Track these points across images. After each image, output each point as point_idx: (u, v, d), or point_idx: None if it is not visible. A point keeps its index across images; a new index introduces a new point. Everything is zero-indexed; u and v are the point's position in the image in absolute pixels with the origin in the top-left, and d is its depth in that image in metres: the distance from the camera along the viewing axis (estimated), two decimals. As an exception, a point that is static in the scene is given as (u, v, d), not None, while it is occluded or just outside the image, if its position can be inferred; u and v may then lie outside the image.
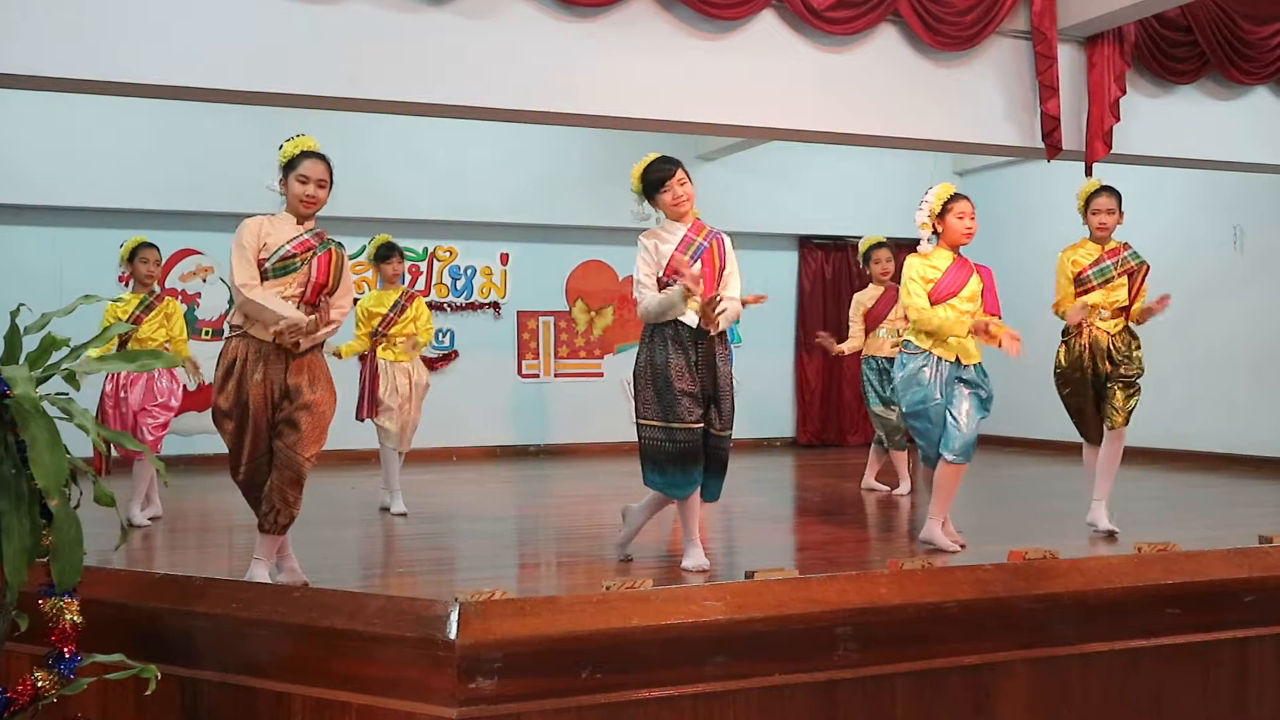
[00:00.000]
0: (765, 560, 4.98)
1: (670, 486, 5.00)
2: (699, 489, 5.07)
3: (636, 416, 5.05)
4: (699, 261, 5.00)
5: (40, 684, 3.09)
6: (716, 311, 4.85)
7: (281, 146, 4.71)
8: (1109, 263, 5.99)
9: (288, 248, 4.60)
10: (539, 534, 6.84)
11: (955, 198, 5.54)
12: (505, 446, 10.92)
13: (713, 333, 4.99)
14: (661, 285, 5.01)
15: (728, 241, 5.16)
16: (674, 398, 4.90)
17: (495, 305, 10.94)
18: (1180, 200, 9.76)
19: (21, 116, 8.93)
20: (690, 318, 4.97)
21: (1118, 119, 7.43)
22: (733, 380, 5.12)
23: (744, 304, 5.32)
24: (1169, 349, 9.10)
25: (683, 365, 4.93)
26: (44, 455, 2.93)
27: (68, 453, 3.04)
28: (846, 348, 7.88)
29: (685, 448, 4.92)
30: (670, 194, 5.02)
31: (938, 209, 5.55)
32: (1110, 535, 5.85)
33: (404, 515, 6.88)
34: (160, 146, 9.31)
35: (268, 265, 4.58)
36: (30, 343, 3.23)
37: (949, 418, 5.44)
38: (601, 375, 11.22)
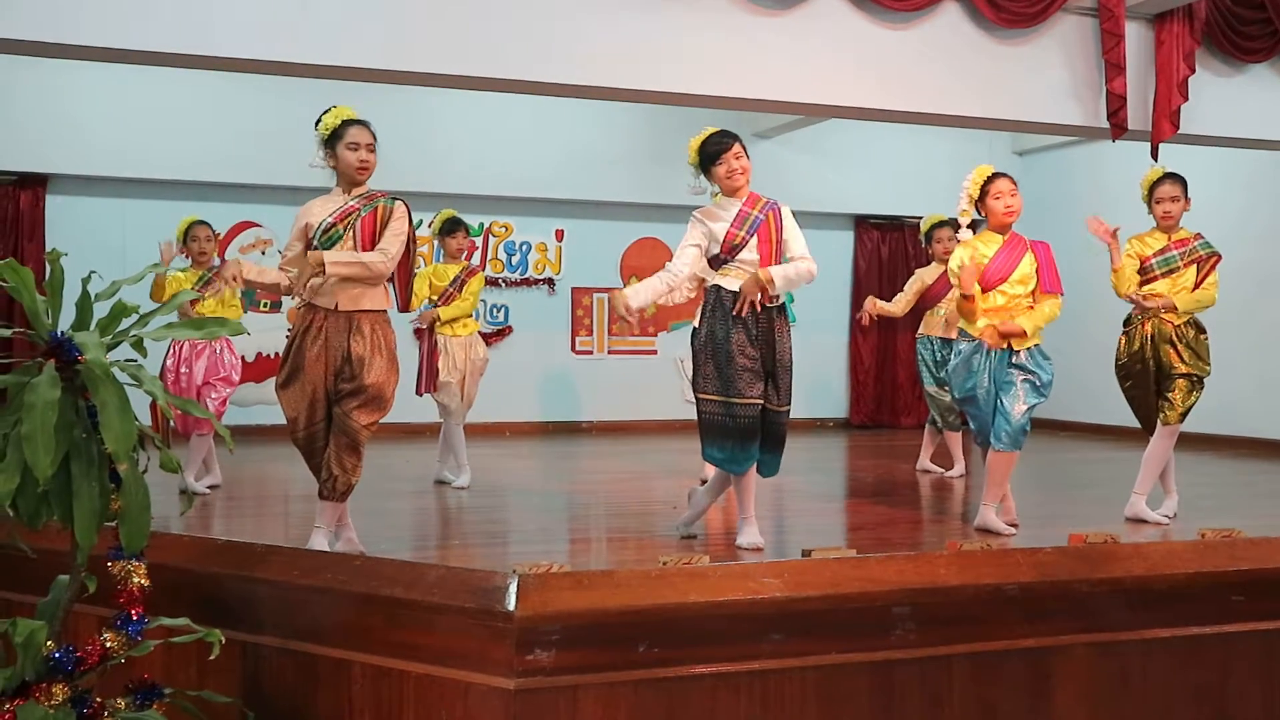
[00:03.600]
0: (818, 540, 4.95)
1: (729, 462, 5.00)
2: (756, 465, 5.06)
3: (695, 391, 5.04)
4: (755, 236, 4.98)
5: (109, 644, 3.15)
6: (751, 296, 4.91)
7: (320, 120, 4.72)
8: (1175, 252, 5.83)
9: (329, 220, 4.66)
10: (590, 509, 6.85)
11: (993, 178, 5.44)
12: (558, 422, 10.95)
13: (770, 298, 4.96)
14: (720, 262, 5.01)
15: (786, 210, 5.11)
16: (735, 372, 4.88)
17: (550, 281, 10.95)
18: (1250, 183, 9.55)
19: (91, 89, 9.06)
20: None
21: (1186, 98, 7.29)
22: (792, 356, 5.09)
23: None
24: (1234, 334, 8.93)
25: (744, 339, 4.90)
26: (114, 420, 2.97)
27: (136, 419, 3.09)
28: (885, 305, 7.77)
29: (745, 423, 4.91)
30: (725, 167, 5.00)
31: (976, 192, 5.46)
32: (1163, 522, 5.75)
33: (465, 489, 6.93)
34: (223, 119, 9.40)
35: (315, 242, 4.66)
36: (100, 310, 3.27)
37: (999, 406, 5.36)
38: (655, 353, 11.21)
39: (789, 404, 5.08)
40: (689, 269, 5.04)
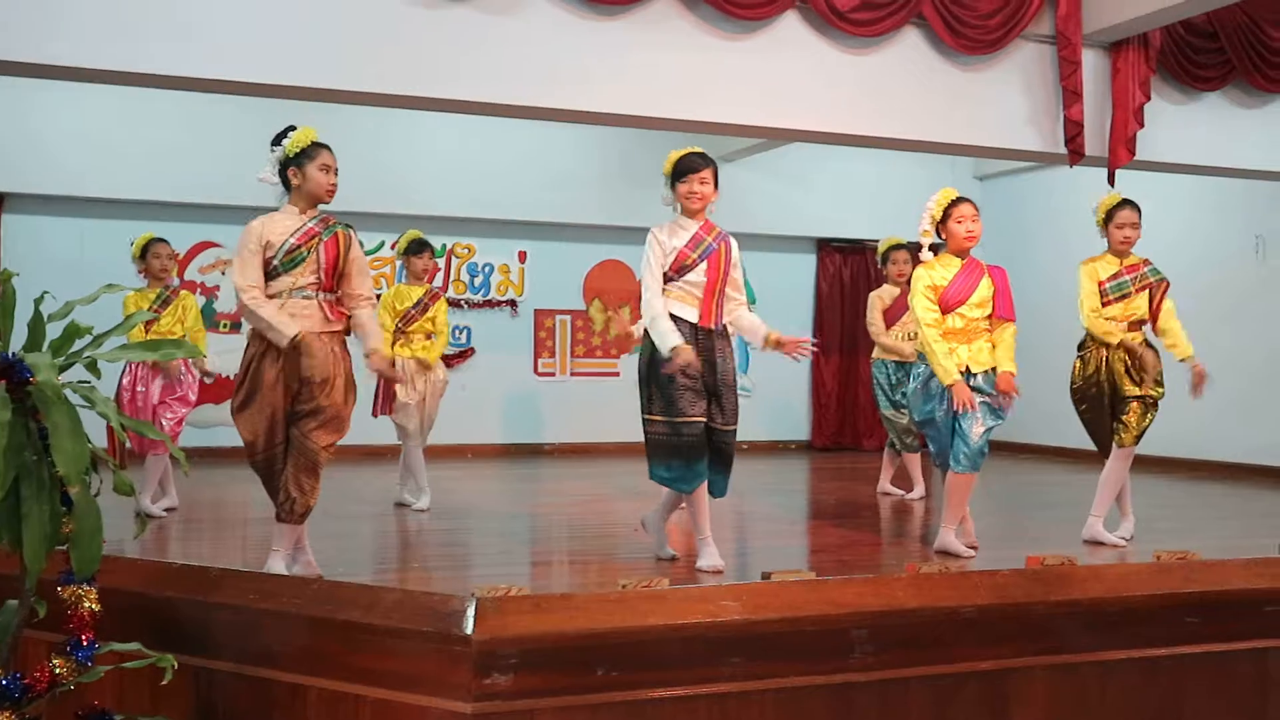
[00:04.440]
0: (779, 562, 4.95)
1: (678, 480, 5.06)
2: (706, 484, 5.09)
3: (642, 412, 5.09)
4: (706, 261, 5.03)
5: (58, 671, 3.10)
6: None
7: (287, 136, 4.68)
8: (1127, 278, 5.90)
9: (292, 240, 4.61)
10: (552, 532, 6.83)
11: (956, 202, 5.49)
12: (520, 444, 10.92)
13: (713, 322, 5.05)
14: (666, 281, 5.06)
15: (735, 244, 5.20)
16: (676, 392, 4.95)
17: (512, 303, 10.94)
18: (1202, 209, 9.71)
19: (49, 108, 8.98)
20: (691, 314, 5.04)
21: (1141, 125, 7.40)
22: (735, 376, 5.16)
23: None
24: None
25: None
26: (66, 443, 2.94)
27: (89, 441, 3.05)
28: (899, 345, 7.70)
29: (690, 441, 4.97)
30: (688, 187, 5.07)
31: (939, 215, 5.51)
32: (1119, 544, 5.80)
33: (425, 511, 6.89)
34: (183, 140, 9.34)
35: (275, 262, 4.59)
36: (53, 330, 3.24)
37: (957, 428, 5.40)
38: (618, 375, 11.21)
39: (735, 423, 5.13)
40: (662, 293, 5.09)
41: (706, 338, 5.04)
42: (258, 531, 5.99)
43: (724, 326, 5.15)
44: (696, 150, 5.13)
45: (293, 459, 4.59)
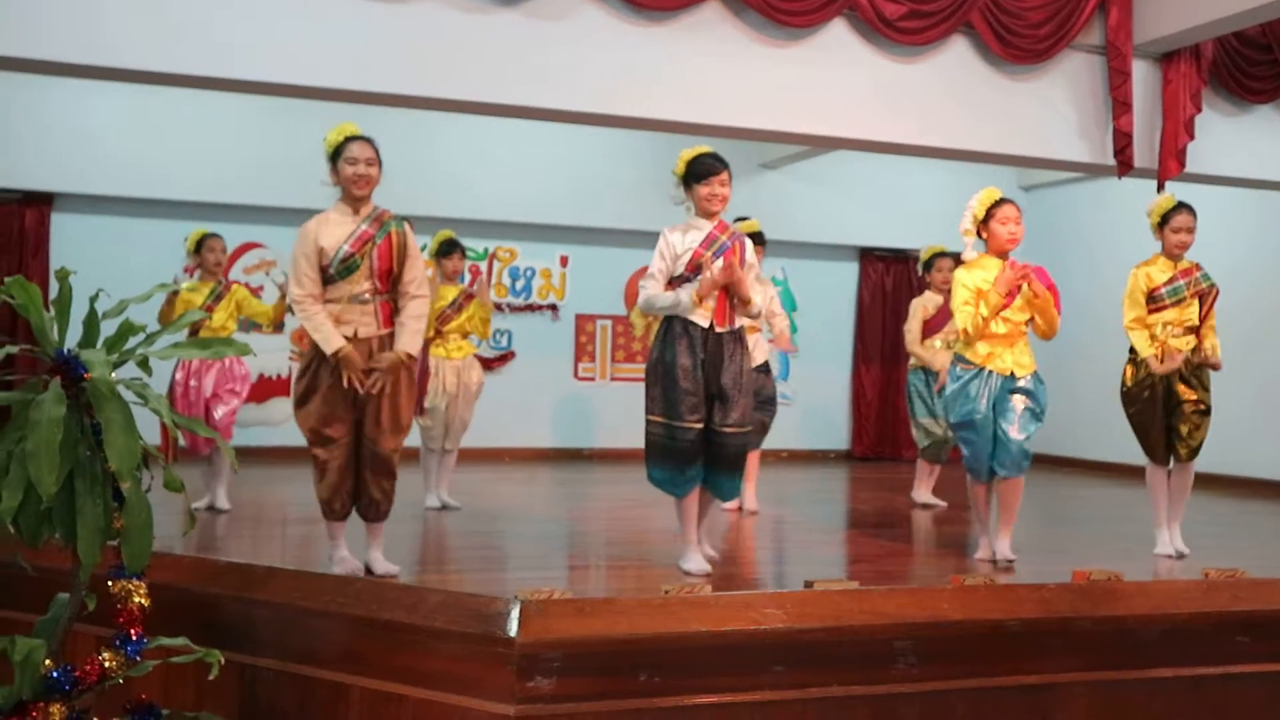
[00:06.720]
0: (819, 572, 4.92)
1: (668, 484, 5.08)
2: (701, 489, 5.09)
3: (645, 412, 5.09)
4: (720, 258, 5.03)
5: (107, 664, 3.13)
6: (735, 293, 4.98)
7: (325, 138, 4.74)
8: (1182, 282, 5.85)
9: (346, 248, 4.61)
10: (589, 536, 6.83)
11: (1000, 203, 5.44)
12: (558, 449, 10.93)
13: (742, 315, 5.03)
14: (682, 281, 5.03)
15: (749, 244, 5.21)
16: (678, 396, 4.96)
17: (553, 307, 10.96)
18: (1253, 222, 9.57)
19: (98, 109, 9.09)
20: (703, 316, 4.99)
21: (1192, 137, 7.32)
22: (748, 378, 5.11)
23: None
24: (1236, 374, 8.93)
25: (689, 365, 4.97)
26: (118, 438, 2.97)
27: (140, 437, 3.08)
28: (930, 358, 7.65)
29: (683, 445, 4.97)
30: (709, 189, 5.06)
31: (981, 214, 5.46)
32: (1178, 556, 5.75)
33: (438, 509, 6.90)
34: (229, 141, 9.43)
35: (331, 270, 4.61)
36: (107, 328, 3.28)
37: (998, 433, 5.35)
38: (657, 381, 11.18)
39: (741, 427, 5.05)
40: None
41: (717, 340, 5.01)
42: (297, 531, 6.04)
43: (740, 328, 5.12)
44: (710, 151, 5.12)
45: (368, 465, 4.65)
